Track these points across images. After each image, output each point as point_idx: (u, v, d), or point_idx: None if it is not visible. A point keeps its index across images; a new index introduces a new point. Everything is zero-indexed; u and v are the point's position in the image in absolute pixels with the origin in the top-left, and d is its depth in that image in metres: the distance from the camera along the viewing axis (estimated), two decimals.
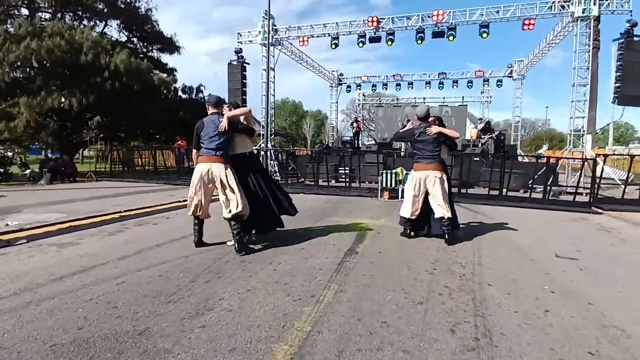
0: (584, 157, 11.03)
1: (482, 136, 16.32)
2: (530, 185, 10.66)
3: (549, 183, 9.92)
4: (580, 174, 9.91)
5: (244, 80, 15.20)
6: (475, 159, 13.87)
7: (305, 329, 2.43)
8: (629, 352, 2.28)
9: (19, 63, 12.62)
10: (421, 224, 5.13)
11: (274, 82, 15.50)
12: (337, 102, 24.74)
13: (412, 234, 5.12)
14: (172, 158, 16.29)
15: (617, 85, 11.80)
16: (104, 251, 4.25)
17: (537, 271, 3.87)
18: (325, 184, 12.21)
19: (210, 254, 4.12)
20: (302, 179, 14.41)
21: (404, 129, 5.44)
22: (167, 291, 3.06)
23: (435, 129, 4.88)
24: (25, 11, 16.90)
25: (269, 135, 14.97)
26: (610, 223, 7.10)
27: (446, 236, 4.81)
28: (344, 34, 14.79)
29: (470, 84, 22.02)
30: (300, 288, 3.15)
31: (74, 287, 3.13)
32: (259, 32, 15.04)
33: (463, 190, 10.21)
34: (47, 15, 17.27)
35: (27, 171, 15.04)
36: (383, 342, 2.28)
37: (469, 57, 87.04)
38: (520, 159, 16.75)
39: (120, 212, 6.58)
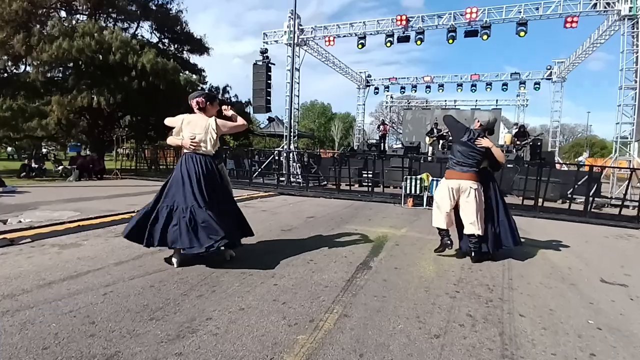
0: (632, 166, 10.05)
1: (517, 142, 15.40)
2: (569, 196, 9.84)
3: (591, 194, 9.08)
4: (628, 184, 9.00)
5: (269, 81, 15.06)
6: (508, 165, 13.08)
7: None
8: None
9: (51, 62, 13.00)
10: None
11: (298, 83, 15.27)
12: (364, 104, 24.26)
13: (452, 245, 4.48)
14: None
15: None
16: (104, 254, 4.05)
17: (580, 299, 3.33)
18: (348, 188, 11.81)
19: (213, 262, 3.82)
20: (325, 183, 14.09)
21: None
22: (153, 305, 2.78)
23: (485, 142, 4.30)
24: (63, 13, 17.55)
25: (291, 137, 14.73)
26: None
27: (472, 254, 4.29)
28: (371, 34, 14.35)
29: (505, 87, 20.96)
30: (299, 309, 2.78)
31: (58, 295, 2.91)
32: (285, 32, 14.85)
33: None
34: (84, 17, 17.88)
35: (60, 167, 15.53)
36: None
37: (504, 60, 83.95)
38: (558, 166, 15.71)
39: (133, 212, 6.44)
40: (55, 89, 14.42)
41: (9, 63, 15.65)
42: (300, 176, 13.81)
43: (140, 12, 18.33)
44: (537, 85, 20.25)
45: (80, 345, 2.18)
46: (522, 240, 5.40)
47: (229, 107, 4.20)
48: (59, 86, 14.78)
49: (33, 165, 14.31)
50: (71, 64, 14.48)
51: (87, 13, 17.60)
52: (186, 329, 2.42)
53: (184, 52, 21.16)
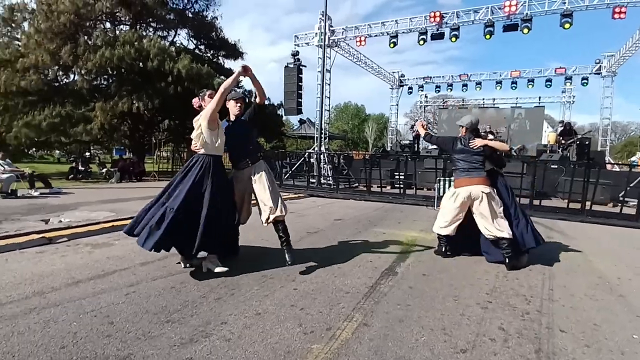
0: None
1: (562, 141, 14.47)
2: (621, 199, 9.07)
3: None
4: None
5: (300, 83, 15.10)
6: (552, 166, 12.30)
7: None
8: None
9: (96, 71, 13.75)
10: (465, 243, 4.39)
11: (329, 84, 15.20)
12: (397, 105, 23.79)
13: (449, 252, 4.40)
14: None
15: None
16: (132, 255, 4.14)
17: (628, 313, 3.00)
18: (379, 190, 11.56)
19: (235, 264, 3.78)
20: (356, 185, 13.90)
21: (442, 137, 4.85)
22: (171, 307, 2.77)
23: (478, 141, 4.20)
24: (108, 24, 18.55)
25: (322, 138, 14.67)
26: None
27: (506, 261, 4.00)
28: (403, 32, 14.01)
29: (549, 83, 19.75)
30: (317, 316, 2.67)
31: (83, 294, 2.98)
32: (316, 33, 14.84)
33: (536, 202, 8.96)
34: (126, 28, 18.81)
35: (103, 170, 16.41)
36: None
37: (548, 56, 79.72)
38: (609, 167, 14.62)
39: None
40: (99, 95, 15.25)
41: (60, 72, 16.77)
42: (330, 178, 13.71)
43: (177, 20, 19.04)
44: (585, 81, 18.93)
45: (95, 346, 2.19)
46: (570, 248, 5.05)
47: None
48: (102, 93, 15.61)
49: (80, 167, 15.20)
50: (113, 72, 15.24)
51: (129, 23, 18.51)
52: (200, 333, 2.38)
53: (219, 57, 21.76)
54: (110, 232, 5.23)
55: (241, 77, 3.67)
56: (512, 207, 4.31)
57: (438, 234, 4.44)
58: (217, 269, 3.50)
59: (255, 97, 3.86)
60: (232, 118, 3.80)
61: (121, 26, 18.51)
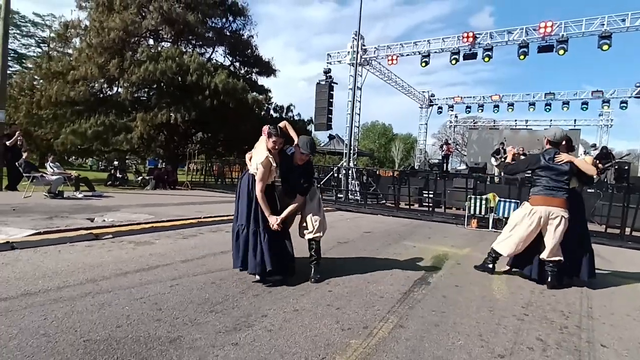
0: None
1: (599, 164, 13.97)
2: None
3: None
4: None
5: (331, 100, 15.41)
6: (589, 190, 11.88)
7: None
8: None
9: (139, 84, 14.57)
10: (523, 261, 4.22)
11: (360, 102, 15.44)
12: (426, 124, 23.72)
13: (493, 272, 4.27)
14: None
15: None
16: (172, 253, 4.35)
17: None
18: (407, 207, 11.51)
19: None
20: (384, 201, 13.88)
21: (507, 161, 4.66)
22: (213, 299, 2.91)
23: (565, 156, 3.91)
24: (151, 41, 19.67)
25: (351, 155, 14.80)
26: None
27: (549, 279, 3.89)
28: (435, 52, 14.13)
29: (586, 106, 19.22)
30: (353, 316, 2.74)
31: (132, 283, 3.17)
32: (348, 52, 15.19)
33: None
34: (168, 44, 19.89)
35: (139, 178, 17.16)
36: None
37: (583, 78, 77.49)
38: None
39: (200, 218, 6.88)
40: (139, 106, 16.07)
41: (105, 85, 17.86)
42: (358, 193, 13.76)
43: (215, 38, 19.93)
44: (624, 104, 18.31)
45: (148, 327, 2.35)
46: (608, 271, 4.90)
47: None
48: (142, 104, 16.44)
49: (118, 175, 15.96)
50: (154, 85, 16.09)
51: (170, 40, 19.56)
52: (242, 323, 2.50)
53: (253, 73, 22.51)
54: (150, 232, 5.50)
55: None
56: (584, 236, 4.13)
57: (494, 250, 4.22)
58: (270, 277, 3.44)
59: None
60: (297, 163, 3.63)
61: (163, 43, 19.61)
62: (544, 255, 3.93)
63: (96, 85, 16.95)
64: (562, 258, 3.87)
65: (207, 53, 20.62)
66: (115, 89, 18.03)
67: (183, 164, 23.48)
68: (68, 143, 13.88)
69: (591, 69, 77.53)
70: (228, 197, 12.26)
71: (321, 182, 14.56)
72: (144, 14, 16.94)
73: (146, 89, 16.89)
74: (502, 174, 14.90)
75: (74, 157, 31.45)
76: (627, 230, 8.16)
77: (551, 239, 3.87)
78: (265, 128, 3.49)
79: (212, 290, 3.14)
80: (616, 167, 13.31)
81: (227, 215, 7.41)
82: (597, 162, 14.61)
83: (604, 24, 11.28)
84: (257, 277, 3.40)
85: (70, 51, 17.07)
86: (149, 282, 3.25)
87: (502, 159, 15.23)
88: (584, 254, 4.03)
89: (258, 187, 3.32)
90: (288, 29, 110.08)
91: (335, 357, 2.11)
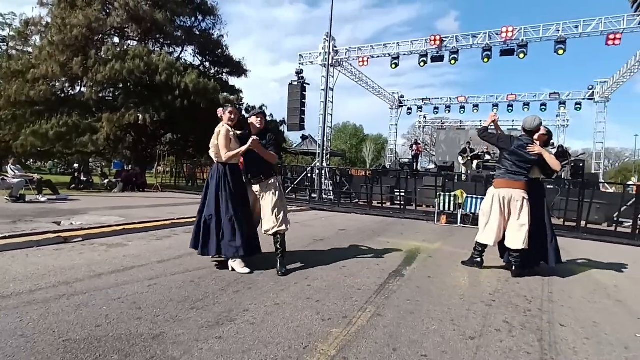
0: None
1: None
2: (615, 219, 9.31)
3: None
4: None
5: (303, 100, 15.48)
6: (548, 186, 12.58)
7: (329, 352, 2.11)
8: None
9: (104, 83, 14.07)
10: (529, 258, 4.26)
11: (332, 103, 15.60)
12: (396, 125, 24.24)
13: (481, 265, 4.41)
14: None
15: None
16: (147, 254, 4.29)
17: (627, 314, 3.17)
18: (380, 205, 11.76)
19: (250, 264, 3.92)
20: (356, 200, 14.09)
21: (484, 125, 4.74)
22: (193, 297, 2.92)
23: (537, 148, 4.12)
24: (116, 39, 19.03)
25: (324, 155, 14.94)
26: None
27: (513, 268, 4.14)
28: (404, 54, 14.52)
29: (544, 107, 20.26)
30: (333, 307, 2.83)
31: (107, 284, 3.12)
32: (320, 53, 15.33)
33: None
34: (134, 43, 19.30)
35: (105, 181, 16.55)
36: None
37: (543, 82, 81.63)
38: (603, 189, 14.92)
39: (172, 219, 6.77)
40: (104, 107, 15.52)
41: (67, 84, 17.10)
42: (331, 193, 13.91)
43: (184, 37, 19.55)
44: (579, 106, 19.48)
45: (128, 326, 2.34)
46: (565, 261, 5.21)
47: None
48: (108, 104, 15.89)
49: (82, 178, 15.32)
50: (120, 85, 15.59)
51: (137, 39, 19.00)
52: (225, 318, 2.53)
53: (223, 74, 22.22)
54: (122, 234, 5.38)
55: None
56: (548, 220, 4.35)
57: (479, 244, 4.36)
58: (241, 270, 3.64)
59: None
60: (254, 132, 3.90)
61: (129, 41, 19.02)
62: (508, 245, 4.16)
63: (57, 84, 16.23)
64: (526, 246, 4.05)
65: (175, 52, 20.17)
66: (77, 88, 17.35)
67: (151, 166, 22.85)
68: (28, 145, 13.22)
69: (550, 72, 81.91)
70: (198, 198, 12.09)
71: (295, 182, 14.61)
72: (108, 10, 16.39)
73: (112, 89, 16.34)
74: (469, 171, 15.51)
75: (32, 160, 29.89)
76: (583, 223, 8.71)
77: (516, 224, 4.08)
78: (220, 110, 3.92)
79: (192, 288, 3.14)
80: (572, 164, 14.14)
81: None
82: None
83: (559, 30, 12.00)
84: (231, 263, 3.69)
85: (30, 50, 16.28)
86: (125, 282, 3.21)
87: (469, 158, 15.86)
88: (549, 240, 4.27)
89: (223, 152, 3.67)
90: (259, 29, 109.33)
91: (318, 345, 2.19)
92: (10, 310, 2.48)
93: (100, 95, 15.80)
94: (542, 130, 4.37)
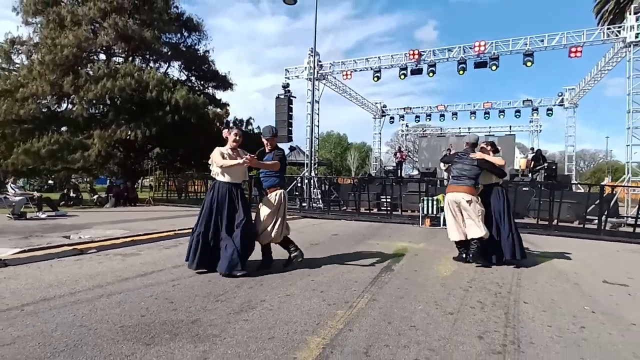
0: None
1: (533, 166, 15.74)
2: (584, 216, 10.11)
3: (605, 213, 9.36)
4: None
5: (290, 113, 16.07)
6: (524, 189, 13.41)
7: (337, 326, 2.62)
8: None
9: (96, 100, 14.36)
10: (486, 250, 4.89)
11: (318, 114, 16.23)
12: (380, 134, 25.06)
13: (468, 258, 4.90)
14: None
15: None
16: (161, 261, 4.72)
17: (580, 294, 3.78)
18: (367, 211, 12.35)
19: (253, 267, 4.39)
20: (345, 207, 14.65)
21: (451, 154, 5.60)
22: (215, 292, 3.39)
23: (478, 154, 4.92)
24: (103, 56, 19.30)
25: (312, 165, 15.50)
26: None
27: (471, 255, 4.76)
28: (386, 67, 15.31)
29: (518, 114, 21.40)
30: (336, 295, 3.35)
31: (136, 286, 3.56)
32: (305, 67, 15.98)
33: None
34: (120, 59, 19.60)
35: (95, 196, 16.66)
36: (410, 342, 2.42)
37: (519, 88, 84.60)
38: (574, 188, 15.89)
39: (175, 230, 7.17)
40: (95, 124, 15.76)
41: (53, 102, 17.25)
42: (320, 201, 14.44)
43: (171, 53, 19.97)
44: (550, 112, 20.67)
45: (168, 315, 2.81)
46: (537, 253, 5.85)
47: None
48: (99, 121, 16.13)
49: (71, 194, 15.45)
50: (109, 102, 15.88)
51: (123, 56, 19.32)
52: (246, 306, 3.02)
53: (209, 88, 22.66)
54: (132, 245, 5.77)
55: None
56: (506, 216, 4.95)
57: (455, 241, 5.01)
58: (239, 272, 3.95)
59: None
60: (267, 150, 4.37)
61: (115, 58, 19.32)
62: (470, 236, 4.77)
63: (44, 102, 16.39)
64: (483, 235, 4.66)
65: (162, 68, 20.54)
66: (64, 105, 17.51)
67: (136, 180, 22.95)
68: (19, 163, 13.35)
69: (525, 79, 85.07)
70: (193, 210, 12.47)
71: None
72: (95, 30, 16.71)
73: (101, 105, 16.58)
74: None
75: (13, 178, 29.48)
76: (555, 221, 9.47)
77: (469, 220, 4.76)
78: (225, 131, 4.31)
79: (211, 286, 3.61)
80: (546, 167, 15.07)
81: None
82: (531, 163, 16.42)
83: (527, 44, 12.96)
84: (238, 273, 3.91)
85: (15, 68, 16.39)
86: (151, 284, 3.65)
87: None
88: (506, 236, 4.88)
89: (222, 163, 4.05)
90: (241, 41, 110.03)
91: (327, 322, 2.70)
92: (60, 309, 2.91)
93: (90, 112, 16.04)
94: (483, 144, 5.25)
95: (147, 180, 20.72)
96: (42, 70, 13.50)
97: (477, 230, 4.72)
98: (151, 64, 20.06)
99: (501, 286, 3.91)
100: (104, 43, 15.51)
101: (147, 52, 18.33)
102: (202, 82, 22.38)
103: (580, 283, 4.22)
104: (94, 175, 26.60)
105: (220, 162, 4.10)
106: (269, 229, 4.22)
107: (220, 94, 22.77)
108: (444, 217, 9.45)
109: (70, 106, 17.30)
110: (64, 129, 16.49)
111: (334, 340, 2.40)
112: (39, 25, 15.64)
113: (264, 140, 4.38)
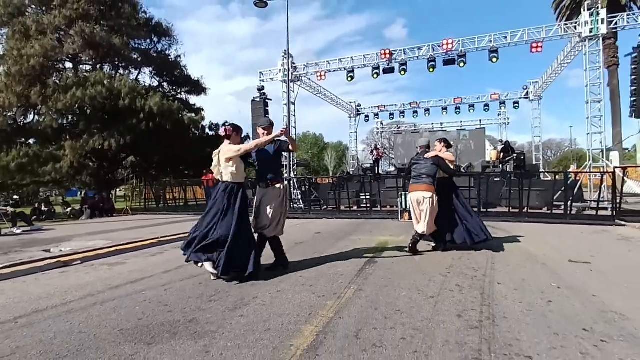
0: (602, 171, 11.02)
1: (503, 157, 16.42)
2: (552, 203, 10.69)
3: (570, 199, 9.95)
4: (600, 188, 9.90)
5: (267, 116, 16.11)
6: (495, 179, 14.00)
7: (328, 315, 2.80)
8: (624, 330, 2.52)
9: (65, 110, 13.99)
10: (442, 235, 5.39)
11: (294, 116, 16.36)
12: (356, 132, 25.44)
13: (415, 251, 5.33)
14: (201, 192, 17.13)
15: (632, 99, 11.91)
16: (149, 268, 4.76)
17: (548, 273, 4.10)
18: (347, 209, 12.59)
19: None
20: (325, 206, 14.86)
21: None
22: (207, 293, 3.50)
23: (431, 153, 5.43)
24: (69, 64, 18.77)
25: (291, 166, 15.62)
26: (632, 233, 7.13)
27: (410, 246, 5.22)
28: (359, 67, 15.61)
29: (487, 107, 22.24)
30: (324, 288, 3.53)
31: (128, 292, 3.62)
32: (280, 70, 16.09)
33: (484, 209, 10.35)
34: (88, 67, 19.11)
35: (68, 209, 16.21)
36: (396, 324, 2.62)
37: (488, 82, 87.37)
38: (542, 176, 16.68)
39: (158, 238, 7.17)
40: (65, 134, 15.34)
41: (19, 114, 16.67)
42: (301, 201, 14.59)
43: (141, 59, 19.65)
44: (516, 104, 21.59)
45: (165, 317, 2.91)
46: (508, 238, 6.22)
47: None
48: (68, 132, 15.71)
49: (43, 208, 14.98)
50: (79, 111, 15.49)
51: (91, 63, 18.85)
52: (240, 303, 3.16)
53: (182, 93, 22.41)
54: (116, 254, 5.76)
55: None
56: (459, 208, 5.45)
57: (416, 232, 5.35)
58: (212, 270, 3.92)
59: (289, 145, 4.37)
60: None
61: (82, 66, 18.83)
62: (424, 231, 5.17)
63: (9, 114, 15.83)
64: (426, 232, 5.15)
65: (132, 74, 20.18)
66: (30, 117, 16.96)
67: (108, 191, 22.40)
68: None
69: (493, 74, 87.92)
70: (173, 218, 12.37)
71: None
72: (60, 38, 16.24)
73: (70, 115, 16.16)
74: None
75: None
76: (526, 209, 9.97)
77: (424, 217, 5.15)
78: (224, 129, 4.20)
79: (202, 288, 3.72)
80: (515, 157, 15.76)
81: (184, 233, 7.75)
82: (501, 155, 17.10)
83: (491, 41, 13.54)
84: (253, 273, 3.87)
85: None
86: (143, 290, 3.72)
87: None
88: (460, 223, 5.36)
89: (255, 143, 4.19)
90: (211, 44, 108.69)
91: (319, 312, 2.88)
92: (55, 319, 2.95)
93: (60, 122, 15.61)
94: (437, 141, 5.88)
95: (120, 190, 20.24)
96: (8, 82, 13.06)
97: (423, 227, 5.15)
98: (121, 71, 19.70)
99: (477, 270, 4.19)
100: (71, 51, 15.13)
101: (117, 59, 17.98)
102: (174, 88, 22.13)
103: (548, 263, 4.56)
104: (65, 188, 25.82)
105: (253, 142, 4.21)
106: (274, 222, 4.28)
107: (193, 99, 22.60)
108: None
109: (37, 117, 16.80)
110: (31, 141, 15.96)
111: (326, 327, 2.57)
112: (4, 37, 15.10)
113: (261, 130, 4.36)
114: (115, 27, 16.55)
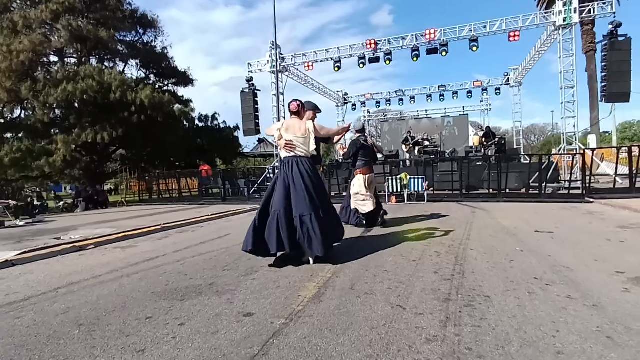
0: (574, 152, 11.77)
1: (484, 142, 17.14)
2: (529, 184, 11.42)
3: (546, 179, 10.67)
4: (572, 168, 10.65)
5: (256, 106, 16.47)
6: (477, 163, 14.70)
7: (327, 275, 3.35)
8: (567, 278, 3.11)
9: (57, 105, 14.10)
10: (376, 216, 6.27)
11: (284, 106, 16.71)
12: (343, 121, 25.88)
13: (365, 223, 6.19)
14: (195, 182, 17.48)
15: (603, 84, 12.66)
16: (160, 248, 5.23)
17: (515, 241, 4.71)
18: (338, 195, 13.13)
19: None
20: None
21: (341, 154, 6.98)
22: (220, 265, 4.00)
23: (370, 140, 6.37)
24: (54, 58, 18.70)
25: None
26: (598, 208, 7.84)
27: (356, 222, 6.21)
28: (345, 57, 16.03)
29: (470, 94, 22.94)
30: (306, 272, 4.02)
31: (148, 267, 4.10)
32: (267, 61, 16.40)
33: (465, 192, 11.03)
34: (73, 60, 19.05)
35: (61, 203, 16.41)
36: (384, 279, 3.18)
37: (474, 67, 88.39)
38: (524, 160, 17.49)
39: (161, 224, 7.60)
40: (56, 128, 15.46)
41: (5, 109, 16.65)
42: None
43: (128, 51, 19.67)
44: (498, 91, 22.35)
45: (188, 282, 3.41)
46: (486, 218, 6.80)
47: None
48: (59, 126, 15.82)
49: (35, 203, 15.16)
50: (72, 105, 15.59)
51: (76, 56, 18.79)
52: (250, 271, 3.67)
53: (169, 85, 22.51)
54: (125, 239, 6.19)
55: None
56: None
57: (366, 213, 6.16)
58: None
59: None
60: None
61: (68, 59, 18.78)
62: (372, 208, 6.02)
63: (3, 109, 15.84)
64: (372, 210, 6.08)
65: (118, 67, 20.20)
66: (18, 111, 16.95)
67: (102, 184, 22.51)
68: None
69: (477, 59, 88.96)
70: (170, 208, 12.75)
71: (257, 184, 15.58)
72: (46, 32, 16.19)
73: (61, 110, 16.23)
74: (412, 157, 17.40)
75: None
76: (506, 190, 10.67)
77: (372, 195, 6.04)
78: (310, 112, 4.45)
79: (214, 261, 4.22)
80: (496, 142, 16.50)
81: (184, 220, 8.20)
82: (483, 140, 17.81)
83: (471, 30, 14.09)
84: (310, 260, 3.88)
85: None
86: (160, 265, 4.20)
87: (411, 145, 17.77)
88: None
89: (328, 131, 4.45)
90: (194, 34, 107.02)
91: (319, 274, 3.42)
92: (91, 288, 3.42)
93: (51, 117, 15.69)
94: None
95: (109, 184, 20.43)
96: None
97: (370, 205, 6.05)
98: (106, 64, 19.71)
99: (454, 240, 4.78)
100: (59, 45, 15.16)
101: (103, 51, 17.99)
102: (161, 80, 22.20)
103: (516, 234, 5.19)
104: (54, 182, 25.81)
105: (331, 130, 4.58)
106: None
107: (181, 91, 22.72)
108: (408, 194, 10.49)
109: (26, 112, 16.80)
110: (20, 135, 16.02)
111: (327, 283, 3.12)
112: None
113: (311, 114, 4.50)
114: (101, 20, 16.56)
